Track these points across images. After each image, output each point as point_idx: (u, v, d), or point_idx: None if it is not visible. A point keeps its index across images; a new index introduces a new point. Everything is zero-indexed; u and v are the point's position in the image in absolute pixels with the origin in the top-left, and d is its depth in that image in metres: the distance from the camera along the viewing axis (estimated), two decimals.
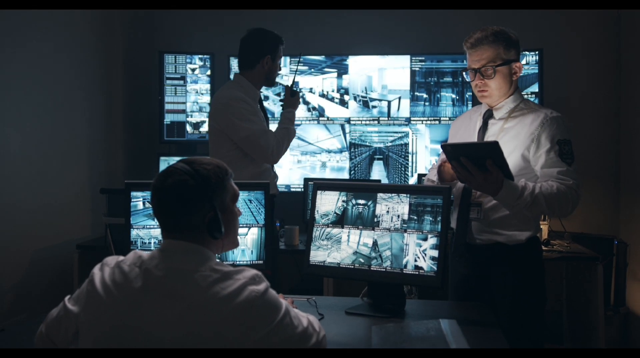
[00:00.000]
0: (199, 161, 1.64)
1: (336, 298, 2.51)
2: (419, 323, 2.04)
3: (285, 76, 4.55)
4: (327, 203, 2.37)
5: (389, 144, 4.59)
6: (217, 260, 1.62)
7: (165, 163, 4.59)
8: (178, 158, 4.60)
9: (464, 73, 2.52)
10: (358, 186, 2.39)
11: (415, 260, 2.21)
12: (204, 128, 4.70)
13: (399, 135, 4.58)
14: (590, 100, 4.63)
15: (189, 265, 1.56)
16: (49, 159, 3.79)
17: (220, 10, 4.70)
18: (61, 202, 3.90)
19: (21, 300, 3.48)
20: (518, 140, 2.39)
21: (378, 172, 4.62)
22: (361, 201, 2.32)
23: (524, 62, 4.38)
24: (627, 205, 4.46)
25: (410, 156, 4.55)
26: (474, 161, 2.18)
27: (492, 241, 2.43)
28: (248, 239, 2.38)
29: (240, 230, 2.36)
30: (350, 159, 4.63)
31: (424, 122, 4.55)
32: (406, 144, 4.55)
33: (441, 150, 2.31)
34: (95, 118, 4.35)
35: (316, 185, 2.42)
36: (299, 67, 4.28)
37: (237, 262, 2.37)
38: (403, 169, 4.56)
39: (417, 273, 2.20)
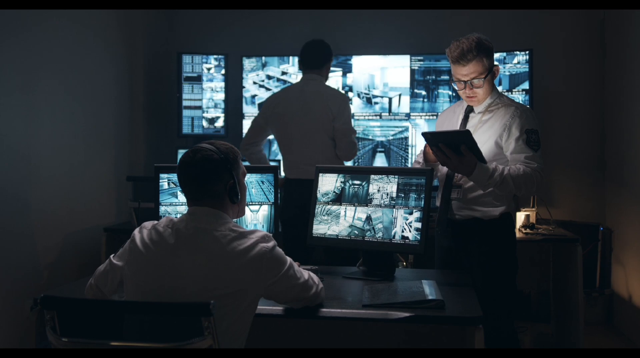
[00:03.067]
0: (218, 143, 2.04)
1: (337, 267, 2.88)
2: (404, 282, 2.42)
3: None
4: (328, 183, 2.76)
5: (391, 137, 4.85)
6: (234, 223, 2.00)
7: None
8: None
9: (452, 84, 2.86)
10: (354, 169, 2.78)
11: (402, 231, 2.59)
12: (219, 123, 5.01)
13: (400, 129, 4.84)
14: (578, 95, 4.93)
15: (212, 225, 1.94)
16: (78, 150, 4.12)
17: (234, 12, 5.02)
18: (90, 190, 4.25)
19: (56, 277, 3.85)
20: (493, 130, 2.76)
21: (380, 163, 4.86)
22: (356, 182, 2.70)
23: (515, 61, 4.69)
24: (612, 193, 4.74)
25: (410, 148, 4.81)
26: (451, 147, 2.56)
27: (470, 217, 2.80)
28: (260, 215, 2.76)
29: (253, 207, 2.76)
30: None
31: (423, 117, 4.81)
32: (406, 138, 4.82)
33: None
34: (120, 113, 4.68)
35: (318, 169, 2.80)
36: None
37: None
38: (403, 161, 4.80)
39: (403, 242, 2.59)
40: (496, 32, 4.38)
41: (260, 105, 4.93)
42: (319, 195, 2.77)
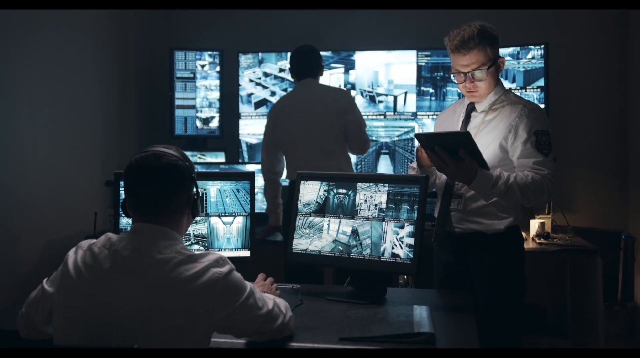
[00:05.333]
0: (174, 147, 1.75)
1: (322, 286, 2.58)
2: (394, 308, 2.10)
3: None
4: (310, 192, 2.44)
5: (396, 138, 4.61)
6: (183, 245, 1.70)
7: None
8: (189, 153, 4.75)
9: (451, 75, 2.54)
10: (338, 176, 2.45)
11: (393, 248, 2.26)
12: (214, 123, 4.78)
13: (405, 130, 4.59)
14: (598, 93, 4.60)
15: (156, 246, 1.64)
16: (62, 153, 3.89)
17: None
18: (74, 195, 4.01)
19: (35, 286, 3.59)
20: (497, 131, 2.43)
21: (385, 166, 4.63)
22: (342, 191, 2.38)
23: (530, 56, 4.38)
24: (636, 199, 4.43)
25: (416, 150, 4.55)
26: (448, 150, 2.23)
27: (470, 230, 2.47)
28: (234, 228, 2.46)
29: (226, 219, 2.45)
30: None
31: (430, 116, 4.54)
32: (412, 139, 4.55)
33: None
34: (109, 113, 4.44)
35: (299, 175, 2.49)
36: None
37: (223, 250, 2.45)
38: (409, 163, 4.57)
39: (393, 260, 2.26)
40: (509, 24, 4.08)
41: (256, 104, 4.76)
42: (300, 205, 2.46)
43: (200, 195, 2.44)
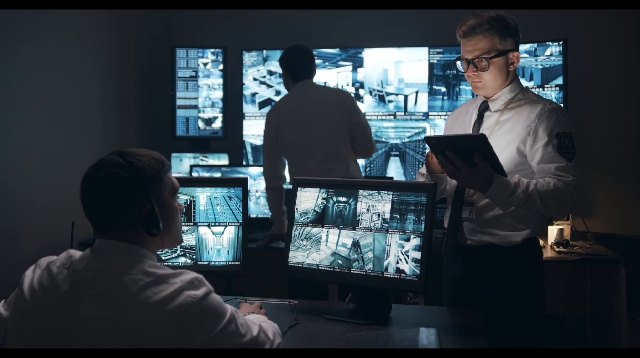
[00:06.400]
0: (133, 153, 1.52)
1: (321, 303, 2.36)
2: (399, 330, 1.89)
3: None
4: (307, 200, 2.22)
5: (406, 140, 4.44)
6: (153, 263, 1.49)
7: (177, 159, 4.52)
8: (191, 155, 4.59)
9: (457, 63, 2.34)
10: (338, 183, 2.23)
11: (397, 263, 2.04)
12: (217, 124, 4.62)
13: (417, 131, 4.42)
14: (619, 93, 4.38)
15: (120, 266, 1.44)
16: (59, 157, 3.74)
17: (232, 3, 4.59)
18: (70, 199, 3.83)
19: None
20: (514, 133, 2.20)
21: (394, 169, 4.46)
22: (342, 199, 2.16)
23: (547, 53, 4.17)
24: None
25: (427, 152, 4.33)
26: (460, 155, 2.01)
27: (484, 243, 2.24)
28: (224, 238, 2.26)
29: (216, 229, 2.25)
30: None
31: (443, 117, 4.35)
32: (424, 140, 4.36)
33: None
34: (108, 114, 4.28)
35: (296, 181, 2.27)
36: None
37: (212, 263, 2.25)
38: (420, 166, 4.35)
39: (398, 276, 2.03)
40: (526, 19, 3.81)
41: (261, 104, 4.63)
42: (296, 214, 2.24)
43: (189, 203, 2.24)
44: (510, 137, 2.21)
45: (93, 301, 1.40)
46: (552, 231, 3.62)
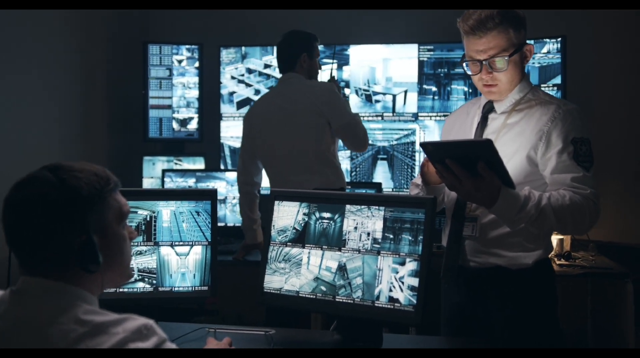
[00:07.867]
0: (69, 167, 1.22)
1: (304, 332, 2.08)
2: None
3: None
4: (286, 216, 1.93)
5: (394, 142, 4.24)
6: (90, 307, 1.19)
7: (149, 163, 4.25)
8: (164, 158, 4.29)
9: (463, 64, 2.03)
10: (321, 196, 1.93)
11: (390, 290, 1.75)
12: (192, 125, 4.37)
13: (405, 132, 4.23)
14: (621, 94, 4.19)
15: (45, 314, 1.14)
16: (16, 164, 3.39)
17: None
18: None
19: None
20: (523, 138, 1.93)
21: (382, 173, 4.25)
22: (326, 215, 1.87)
23: (545, 50, 3.96)
24: None
25: (417, 155, 4.17)
26: (462, 164, 1.73)
27: (490, 265, 1.97)
28: (190, 260, 1.96)
29: (180, 249, 1.95)
30: (351, 159, 4.24)
31: (433, 118, 4.18)
32: (413, 143, 4.19)
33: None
34: (71, 116, 3.96)
35: (273, 194, 1.98)
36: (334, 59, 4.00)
37: (176, 288, 1.95)
38: (410, 170, 4.16)
39: (391, 306, 1.74)
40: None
41: (239, 104, 4.45)
42: (273, 232, 1.94)
43: (149, 219, 1.95)
44: (519, 143, 1.93)
45: None
46: (552, 241, 3.36)
